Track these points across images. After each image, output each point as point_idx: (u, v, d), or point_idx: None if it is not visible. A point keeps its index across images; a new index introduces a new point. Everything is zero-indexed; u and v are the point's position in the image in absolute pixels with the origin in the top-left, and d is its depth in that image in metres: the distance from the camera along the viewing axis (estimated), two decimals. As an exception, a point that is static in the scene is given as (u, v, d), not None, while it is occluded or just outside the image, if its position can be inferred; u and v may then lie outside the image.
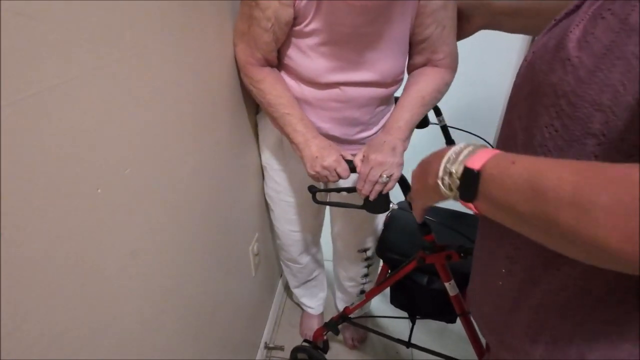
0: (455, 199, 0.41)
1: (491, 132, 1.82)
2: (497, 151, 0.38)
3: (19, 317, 0.38)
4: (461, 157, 0.39)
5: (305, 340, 1.32)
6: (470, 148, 0.40)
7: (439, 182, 0.42)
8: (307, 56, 0.84)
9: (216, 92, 0.80)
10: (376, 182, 0.81)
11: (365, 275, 1.31)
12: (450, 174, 0.40)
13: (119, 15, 0.47)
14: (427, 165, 0.47)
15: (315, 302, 1.49)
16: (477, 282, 0.56)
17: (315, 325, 1.49)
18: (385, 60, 0.84)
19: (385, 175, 0.80)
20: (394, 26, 0.80)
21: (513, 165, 0.34)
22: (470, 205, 0.39)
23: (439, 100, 0.90)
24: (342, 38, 0.80)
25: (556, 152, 0.37)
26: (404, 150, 0.85)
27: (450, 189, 0.41)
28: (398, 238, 1.18)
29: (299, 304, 1.54)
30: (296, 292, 1.48)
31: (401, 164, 0.82)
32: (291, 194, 1.13)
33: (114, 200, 0.50)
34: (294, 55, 0.85)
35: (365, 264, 1.27)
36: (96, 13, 0.44)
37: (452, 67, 0.89)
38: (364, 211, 0.90)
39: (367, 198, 0.84)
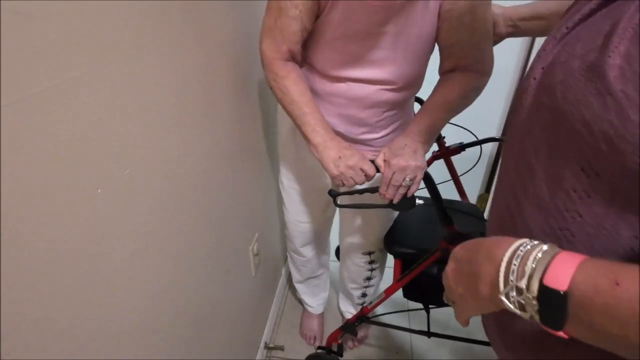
0: (530, 320, 0.31)
1: (489, 129, 1.81)
2: (579, 257, 0.29)
3: (19, 317, 0.38)
4: (530, 267, 0.30)
5: (319, 347, 1.32)
6: (537, 252, 0.30)
7: (503, 298, 0.32)
8: (321, 48, 0.85)
9: (217, 92, 0.80)
10: (400, 186, 0.82)
11: (368, 279, 1.30)
12: (519, 290, 0.30)
13: (119, 15, 0.47)
14: (473, 267, 0.37)
15: (316, 301, 1.49)
16: (492, 323, 0.51)
17: (315, 325, 1.49)
18: (397, 62, 0.84)
19: (408, 179, 0.81)
20: (410, 29, 0.79)
21: (618, 288, 0.26)
22: (559, 333, 0.30)
23: (466, 105, 0.87)
24: (356, 34, 0.80)
25: (598, 205, 0.31)
26: (426, 152, 0.84)
27: (523, 309, 0.31)
28: (406, 231, 1.18)
29: (300, 301, 1.54)
30: (298, 287, 1.48)
31: (423, 167, 0.82)
32: (300, 183, 1.14)
33: (114, 200, 0.50)
34: (311, 46, 0.86)
35: (369, 267, 1.27)
36: (96, 13, 0.44)
37: (484, 72, 0.84)
38: (373, 214, 0.89)
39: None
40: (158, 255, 0.62)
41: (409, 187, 0.82)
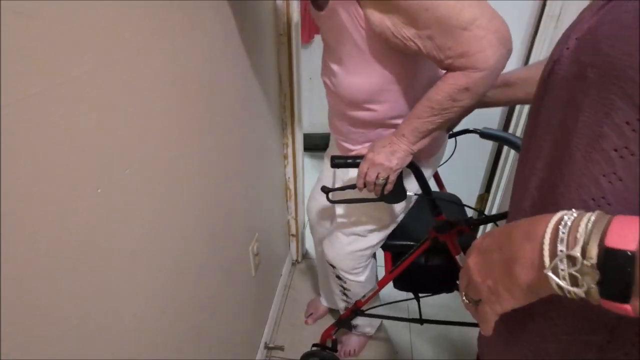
0: (586, 298, 0.27)
1: (489, 125, 1.81)
2: (637, 217, 0.25)
3: (19, 317, 0.38)
4: (583, 231, 0.26)
5: (314, 345, 1.32)
6: (589, 216, 0.27)
7: (550, 274, 0.28)
8: None
9: (217, 92, 0.80)
10: (374, 183, 0.82)
11: (344, 294, 1.25)
12: (573, 259, 0.26)
13: (118, 14, 0.47)
14: (506, 252, 0.33)
15: (322, 291, 1.53)
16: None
17: (319, 307, 1.54)
18: (338, 73, 0.85)
19: (381, 178, 0.81)
20: (342, 41, 0.79)
21: None
22: (625, 307, 0.25)
23: (461, 108, 0.75)
24: (324, 40, 0.87)
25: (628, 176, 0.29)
26: (410, 153, 0.80)
27: (577, 284, 0.27)
28: None
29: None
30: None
31: (395, 169, 0.81)
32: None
33: (114, 200, 0.50)
34: None
35: (338, 282, 1.21)
36: (96, 13, 0.44)
37: (472, 67, 0.69)
38: (338, 231, 0.88)
39: (382, 191, 0.85)
40: (158, 255, 0.62)
41: (384, 185, 0.83)
